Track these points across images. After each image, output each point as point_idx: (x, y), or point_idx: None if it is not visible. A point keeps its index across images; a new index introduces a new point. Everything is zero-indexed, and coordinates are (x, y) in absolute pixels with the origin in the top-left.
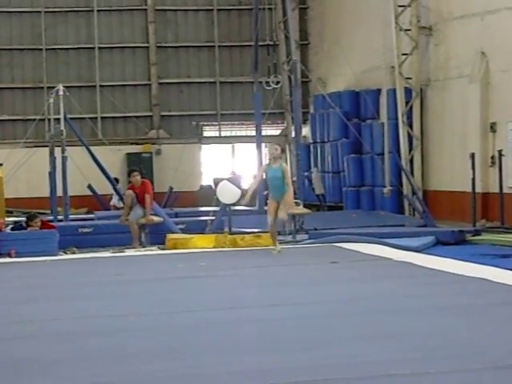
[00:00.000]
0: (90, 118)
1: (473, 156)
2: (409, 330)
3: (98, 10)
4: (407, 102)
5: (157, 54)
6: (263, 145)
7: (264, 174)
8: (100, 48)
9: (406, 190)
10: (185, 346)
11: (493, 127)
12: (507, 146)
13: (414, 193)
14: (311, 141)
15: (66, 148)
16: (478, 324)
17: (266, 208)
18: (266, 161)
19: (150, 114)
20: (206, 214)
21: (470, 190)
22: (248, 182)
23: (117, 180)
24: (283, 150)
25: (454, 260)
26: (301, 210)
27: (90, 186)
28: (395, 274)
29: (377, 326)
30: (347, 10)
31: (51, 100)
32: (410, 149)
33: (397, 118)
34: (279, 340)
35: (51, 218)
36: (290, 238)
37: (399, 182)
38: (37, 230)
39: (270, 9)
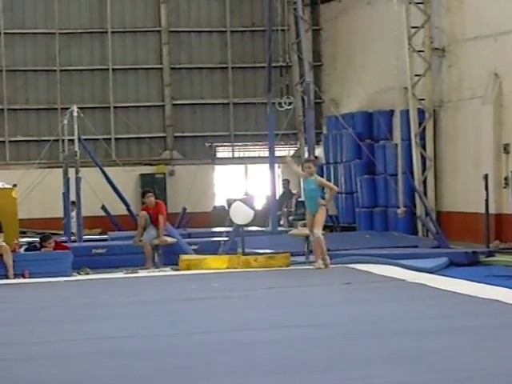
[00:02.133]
0: (104, 139)
1: (486, 177)
2: (422, 351)
3: (112, 32)
4: (420, 123)
5: (170, 76)
6: (276, 165)
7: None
8: (114, 69)
9: (420, 211)
10: (198, 368)
11: (506, 148)
12: None
13: (427, 214)
14: (324, 162)
15: (80, 169)
16: (491, 346)
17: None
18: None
19: (163, 134)
20: (220, 234)
21: (483, 211)
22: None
23: (73, 203)
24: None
25: (468, 281)
26: None
27: (103, 207)
28: (408, 295)
29: (390, 347)
30: (360, 31)
31: (65, 121)
32: (423, 170)
33: (410, 139)
34: (292, 362)
35: (65, 238)
36: (302, 258)
37: (412, 203)
38: (50, 251)
39: (283, 30)
